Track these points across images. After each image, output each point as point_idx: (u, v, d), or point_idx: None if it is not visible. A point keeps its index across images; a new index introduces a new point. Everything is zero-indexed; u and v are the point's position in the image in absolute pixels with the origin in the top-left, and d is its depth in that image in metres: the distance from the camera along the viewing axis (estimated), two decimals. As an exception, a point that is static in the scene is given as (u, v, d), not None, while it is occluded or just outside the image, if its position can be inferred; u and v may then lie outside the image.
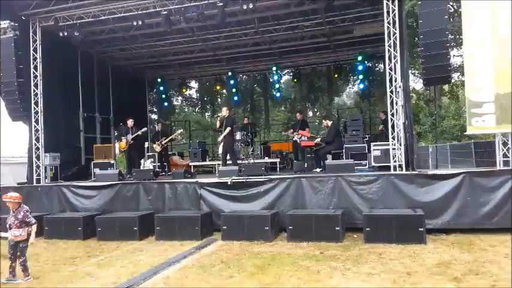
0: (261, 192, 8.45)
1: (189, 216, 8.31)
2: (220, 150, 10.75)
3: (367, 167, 9.70)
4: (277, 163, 11.61)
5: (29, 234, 5.91)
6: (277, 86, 17.13)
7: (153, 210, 8.99)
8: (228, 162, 10.15)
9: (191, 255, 6.83)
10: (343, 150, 9.88)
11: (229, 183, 8.60)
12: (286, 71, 18.24)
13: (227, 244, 7.44)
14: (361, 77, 15.25)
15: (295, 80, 16.90)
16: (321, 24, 11.91)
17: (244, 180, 8.63)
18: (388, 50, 8.73)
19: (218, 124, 10.59)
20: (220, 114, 10.81)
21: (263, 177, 8.62)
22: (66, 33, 10.67)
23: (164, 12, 9.75)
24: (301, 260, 6.11)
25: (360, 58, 14.22)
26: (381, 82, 14.56)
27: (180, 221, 8.21)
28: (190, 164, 13.12)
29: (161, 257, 6.78)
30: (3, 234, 6.17)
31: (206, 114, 31.51)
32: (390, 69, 8.77)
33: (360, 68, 14.55)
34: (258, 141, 16.25)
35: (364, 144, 10.15)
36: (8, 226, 5.89)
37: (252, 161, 10.92)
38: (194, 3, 9.56)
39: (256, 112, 24.01)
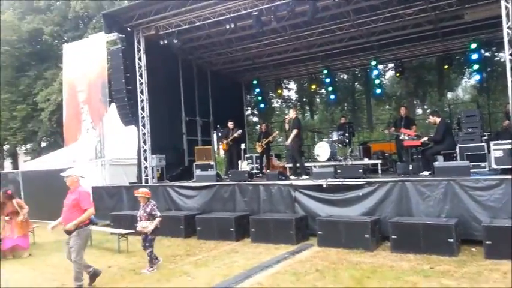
0: (360, 196, 7.84)
1: (283, 219, 8.09)
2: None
3: (486, 169, 8.39)
4: (379, 165, 10.77)
5: (156, 227, 6.40)
6: (377, 82, 16.01)
7: (249, 212, 8.98)
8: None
9: (284, 260, 6.59)
10: (456, 151, 8.71)
11: (324, 185, 8.16)
12: (389, 65, 16.99)
13: (323, 251, 7.02)
14: (476, 67, 13.38)
15: (399, 75, 15.63)
16: (425, 10, 10.76)
17: (340, 182, 8.12)
18: (508, 34, 7.44)
19: (286, 127, 10.52)
20: (287, 117, 10.72)
21: (361, 180, 8.01)
22: (166, 41, 11.28)
23: (255, 13, 9.72)
24: (407, 274, 5.44)
25: (473, 46, 12.48)
26: (501, 73, 12.66)
27: (275, 224, 8.03)
28: (286, 165, 12.93)
29: (255, 260, 6.66)
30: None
31: (305, 114, 31.22)
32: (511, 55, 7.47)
33: (475, 57, 12.73)
34: (357, 142, 15.42)
35: (483, 144, 8.78)
36: (138, 218, 6.40)
37: (349, 162, 10.31)
38: (284, 1, 9.31)
39: (357, 111, 22.93)
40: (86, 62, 13.35)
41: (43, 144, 31.40)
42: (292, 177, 10.10)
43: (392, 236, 6.72)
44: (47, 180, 12.26)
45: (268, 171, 11.58)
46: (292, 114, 10.46)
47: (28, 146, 33.08)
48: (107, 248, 8.59)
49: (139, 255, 7.55)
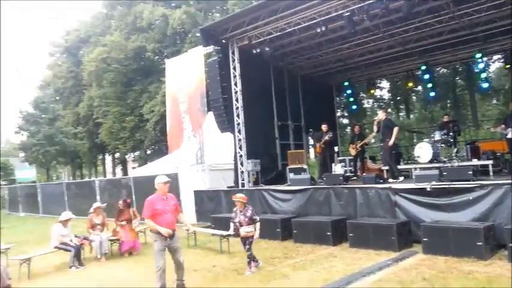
0: (470, 200, 7.21)
1: (383, 224, 7.79)
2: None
3: None
4: (490, 166, 9.80)
5: (255, 230, 6.69)
6: (483, 75, 14.58)
7: (345, 216, 8.82)
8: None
9: (387, 267, 6.33)
10: None
11: (428, 189, 7.68)
12: (495, 57, 15.40)
13: (429, 259, 6.60)
14: None
15: (508, 66, 14.09)
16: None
17: (447, 186, 7.57)
18: None
19: (375, 129, 10.22)
20: (376, 118, 10.35)
21: (472, 182, 7.38)
22: (258, 50, 11.65)
23: (347, 14, 9.55)
24: (531, 287, 4.89)
25: None
26: None
27: (374, 229, 7.77)
28: (382, 168, 12.43)
29: (355, 266, 6.52)
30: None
31: (400, 114, 29.72)
32: None
33: None
34: (463, 141, 14.20)
35: None
36: (238, 224, 6.67)
37: (455, 164, 9.55)
38: (377, -1, 9.01)
39: (460, 108, 21.17)
40: (185, 74, 14.37)
41: (148, 152, 34.36)
42: (390, 180, 9.68)
43: (510, 245, 6.07)
44: (153, 184, 13.37)
45: (364, 174, 11.25)
46: (381, 115, 10.17)
47: (135, 153, 36.47)
48: (209, 248, 9.07)
49: (239, 256, 7.87)
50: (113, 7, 32.46)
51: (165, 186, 5.90)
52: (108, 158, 45.49)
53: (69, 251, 7.92)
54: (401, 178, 9.43)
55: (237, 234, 6.88)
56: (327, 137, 11.87)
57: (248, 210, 6.81)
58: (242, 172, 11.94)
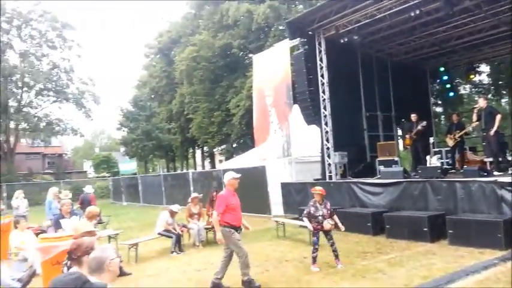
0: None
1: (488, 220, 7.19)
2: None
3: None
4: None
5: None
6: None
7: (443, 211, 8.27)
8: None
9: (493, 266, 5.84)
10: None
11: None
12: None
13: (545, 259, 5.95)
14: None
15: None
16: None
17: None
18: None
19: (474, 117, 9.50)
20: (476, 106, 9.55)
21: None
22: (346, 39, 11.35)
23: (444, -6, 8.87)
24: None
25: None
26: None
27: (477, 226, 7.19)
28: (485, 160, 11.38)
29: (456, 264, 6.11)
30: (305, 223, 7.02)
31: (502, 100, 26.94)
32: None
33: None
34: None
35: None
36: (321, 217, 6.66)
37: None
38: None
39: None
40: (272, 68, 14.56)
41: (234, 145, 35.56)
42: (495, 173, 8.85)
43: None
44: (243, 176, 13.86)
45: (465, 166, 10.42)
46: (482, 103, 9.39)
47: (222, 147, 37.96)
48: (298, 240, 9.16)
49: (329, 249, 7.82)
50: (200, 7, 33.97)
51: (236, 182, 5.99)
52: (198, 152, 48.06)
53: (171, 237, 8.57)
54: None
55: (314, 227, 6.74)
56: (419, 127, 11.21)
57: (327, 203, 6.77)
58: (329, 164, 11.80)
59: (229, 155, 35.51)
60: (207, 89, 33.58)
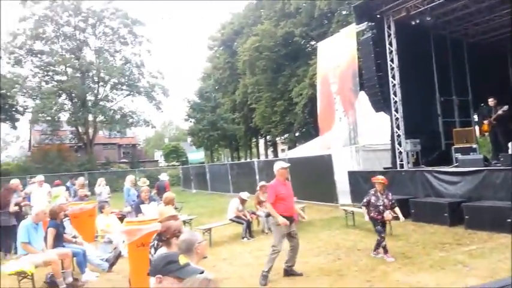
0: None
1: None
2: None
3: None
4: None
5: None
6: None
7: (531, 202, 7.63)
8: None
9: None
10: None
11: None
12: None
13: None
14: None
15: None
16: None
17: None
18: None
19: None
20: None
21: None
22: (417, 21, 10.77)
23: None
24: None
25: None
26: None
27: None
28: None
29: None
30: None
31: None
32: None
33: None
34: None
35: None
36: (382, 207, 6.51)
37: None
38: None
39: None
40: (337, 55, 14.25)
41: (297, 134, 35.49)
42: None
43: None
44: (308, 165, 13.84)
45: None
46: None
47: (285, 136, 38.07)
48: (368, 229, 8.90)
49: (404, 239, 7.61)
50: (262, -3, 34.12)
51: (285, 172, 5.90)
52: (261, 141, 48.64)
53: (242, 223, 8.83)
54: None
55: (374, 217, 6.56)
56: (500, 111, 10.34)
57: (389, 194, 6.59)
58: (400, 152, 11.35)
59: (292, 144, 35.54)
60: (269, 78, 33.74)
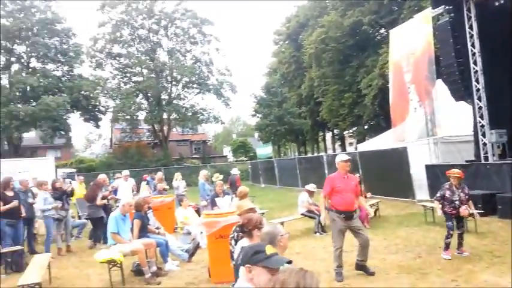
0: None
1: None
2: None
3: None
4: None
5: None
6: None
7: None
8: None
9: None
10: None
11: None
12: None
13: None
14: None
15: None
16: None
17: None
18: None
19: None
20: None
21: None
22: (501, 1, 9.88)
23: None
24: None
25: None
26: None
27: None
28: None
29: None
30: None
31: None
32: None
33: None
34: None
35: None
36: (458, 202, 6.12)
37: None
38: None
39: None
40: (411, 42, 13.55)
41: (366, 127, 34.41)
42: None
43: None
44: (381, 159, 13.37)
45: None
46: None
47: (353, 129, 37.09)
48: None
49: (491, 237, 7.10)
50: (328, -13, 33.45)
51: (345, 165, 5.67)
52: (328, 135, 47.89)
53: (314, 218, 8.78)
54: None
55: (448, 212, 6.17)
56: None
57: (465, 188, 6.19)
58: (484, 144, 10.54)
59: (361, 137, 34.56)
60: (336, 70, 33.06)
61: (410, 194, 12.09)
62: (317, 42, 32.64)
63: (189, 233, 8.25)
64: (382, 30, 31.09)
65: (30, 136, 36.90)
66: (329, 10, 33.27)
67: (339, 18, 31.15)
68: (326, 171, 17.31)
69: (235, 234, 4.14)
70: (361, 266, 5.63)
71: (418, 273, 5.45)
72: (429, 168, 11.93)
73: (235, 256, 3.63)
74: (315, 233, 8.70)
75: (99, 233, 9.45)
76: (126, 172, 12.27)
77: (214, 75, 37.00)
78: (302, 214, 9.11)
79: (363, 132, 34.86)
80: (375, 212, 9.84)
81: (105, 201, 9.50)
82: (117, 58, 35.51)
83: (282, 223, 8.65)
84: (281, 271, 1.65)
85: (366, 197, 9.34)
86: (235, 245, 3.96)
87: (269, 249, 2.12)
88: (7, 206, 7.56)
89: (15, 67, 33.10)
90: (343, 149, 42.10)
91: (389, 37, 16.11)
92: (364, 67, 30.08)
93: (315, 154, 41.42)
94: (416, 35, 13.17)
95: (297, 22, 41.12)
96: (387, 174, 12.83)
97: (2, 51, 31.29)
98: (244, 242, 3.50)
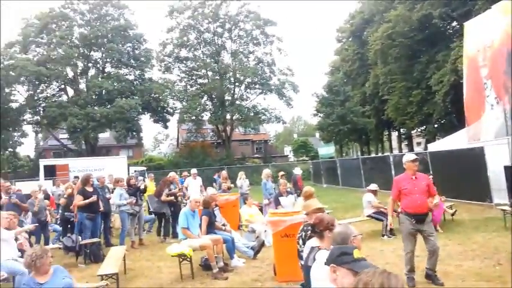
0: None
1: None
2: None
3: None
4: None
5: None
6: None
7: None
8: None
9: None
10: None
11: None
12: None
13: None
14: None
15: None
16: None
17: None
18: None
19: None
20: None
21: None
22: None
23: None
24: None
25: None
26: None
27: None
28: None
29: None
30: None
31: None
32: None
33: None
34: None
35: None
36: None
37: None
38: None
39: None
40: (487, 34, 12.61)
41: (436, 126, 32.55)
42: None
43: None
44: (454, 159, 12.58)
45: None
46: None
47: (421, 128, 35.27)
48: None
49: None
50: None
51: (413, 165, 5.35)
52: (393, 134, 46.03)
53: (381, 220, 8.49)
54: None
55: None
56: None
57: None
58: None
59: (430, 136, 32.79)
60: (403, 66, 31.68)
61: (487, 197, 11.25)
62: (383, 38, 31.49)
63: (253, 231, 8.38)
64: (454, 23, 29.23)
65: (105, 136, 39.63)
66: (396, 4, 31.92)
67: (406, 12, 29.77)
68: (393, 172, 16.66)
69: (303, 233, 4.14)
70: (429, 275, 5.33)
71: (498, 282, 5.07)
72: (509, 170, 10.99)
73: (304, 256, 3.62)
74: (383, 235, 8.41)
75: (167, 227, 9.94)
76: (194, 170, 12.77)
77: (276, 75, 37.15)
78: (368, 216, 8.85)
79: (433, 132, 33.04)
80: (452, 215, 9.32)
81: (171, 198, 9.94)
82: (184, 61, 36.93)
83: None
84: (363, 272, 1.63)
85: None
86: (303, 244, 3.96)
87: (357, 253, 2.11)
88: (87, 201, 8.21)
89: (91, 72, 35.81)
90: (411, 149, 40.22)
91: (463, 30, 15.15)
92: (434, 62, 28.48)
93: (380, 154, 40.04)
94: (493, 26, 12.26)
95: (362, 18, 39.99)
96: (462, 176, 12.05)
97: (80, 57, 34.08)
98: (314, 242, 3.48)
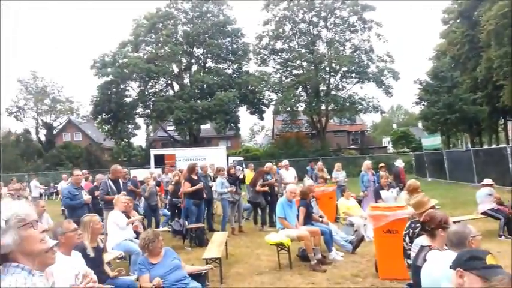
0: None
1: None
2: None
3: None
4: None
5: None
6: None
7: None
8: None
9: None
10: None
11: None
12: None
13: None
14: None
15: None
16: None
17: None
18: None
19: None
20: None
21: None
22: None
23: None
24: None
25: None
26: None
27: None
28: None
29: None
30: None
31: None
32: None
33: None
34: None
35: None
36: None
37: None
38: None
39: None
40: None
41: None
42: None
43: None
44: None
45: None
46: None
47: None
48: None
49: None
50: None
51: None
52: (510, 123, 41.00)
53: (499, 219, 7.64)
54: None
55: None
56: None
57: None
58: None
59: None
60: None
61: None
62: (498, 17, 28.09)
63: (351, 224, 8.16)
64: None
65: (207, 128, 41.93)
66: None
67: None
68: (510, 166, 14.96)
69: (410, 231, 3.89)
70: None
71: None
72: None
73: (411, 254, 3.40)
74: (500, 236, 7.56)
75: (264, 216, 10.18)
76: (285, 162, 12.82)
77: (375, 62, 35.44)
78: (483, 213, 8.00)
79: None
80: None
81: (265, 188, 10.06)
82: (279, 53, 37.20)
83: (458, 221, 7.78)
84: (495, 279, 1.45)
85: None
86: (410, 242, 3.72)
87: (490, 259, 1.90)
88: (195, 187, 8.76)
89: (194, 68, 38.09)
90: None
91: None
92: None
93: (494, 146, 36.00)
94: None
95: (473, -3, 36.14)
96: None
97: (184, 54, 36.44)
98: (423, 241, 3.25)
